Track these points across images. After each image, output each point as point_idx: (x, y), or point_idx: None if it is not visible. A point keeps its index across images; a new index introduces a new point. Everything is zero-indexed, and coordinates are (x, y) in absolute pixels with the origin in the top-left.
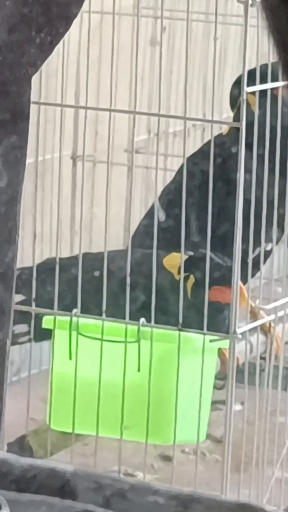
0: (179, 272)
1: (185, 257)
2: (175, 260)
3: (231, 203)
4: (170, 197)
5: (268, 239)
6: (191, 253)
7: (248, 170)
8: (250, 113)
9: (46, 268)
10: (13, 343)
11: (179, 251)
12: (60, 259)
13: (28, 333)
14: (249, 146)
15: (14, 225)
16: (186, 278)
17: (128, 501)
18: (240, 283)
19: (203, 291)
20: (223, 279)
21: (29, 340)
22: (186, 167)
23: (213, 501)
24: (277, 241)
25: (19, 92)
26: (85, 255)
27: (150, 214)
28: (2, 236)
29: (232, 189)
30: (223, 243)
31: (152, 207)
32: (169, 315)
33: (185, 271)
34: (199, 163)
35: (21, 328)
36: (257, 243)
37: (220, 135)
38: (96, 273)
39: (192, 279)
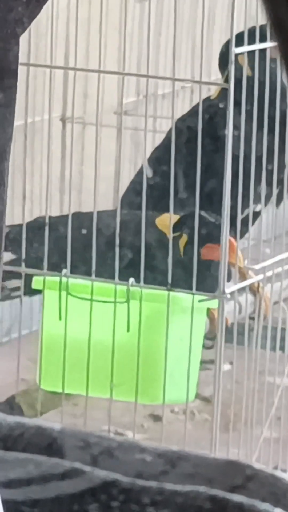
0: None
1: (177, 216)
2: (168, 220)
3: (218, 160)
4: (157, 154)
5: (257, 199)
6: (182, 213)
7: (236, 127)
8: (239, 70)
9: (34, 227)
10: (6, 297)
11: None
12: (49, 217)
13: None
14: (237, 102)
15: (1, 183)
16: (178, 237)
17: (115, 459)
18: (231, 239)
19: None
20: (215, 237)
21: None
22: (175, 125)
23: (201, 458)
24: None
25: (5, 49)
26: (74, 214)
27: (140, 172)
28: None
29: (219, 145)
30: (210, 200)
31: (142, 167)
32: (159, 273)
33: (178, 230)
34: (187, 120)
35: (14, 283)
36: (245, 203)
37: (208, 98)
38: (84, 231)
39: (184, 238)
